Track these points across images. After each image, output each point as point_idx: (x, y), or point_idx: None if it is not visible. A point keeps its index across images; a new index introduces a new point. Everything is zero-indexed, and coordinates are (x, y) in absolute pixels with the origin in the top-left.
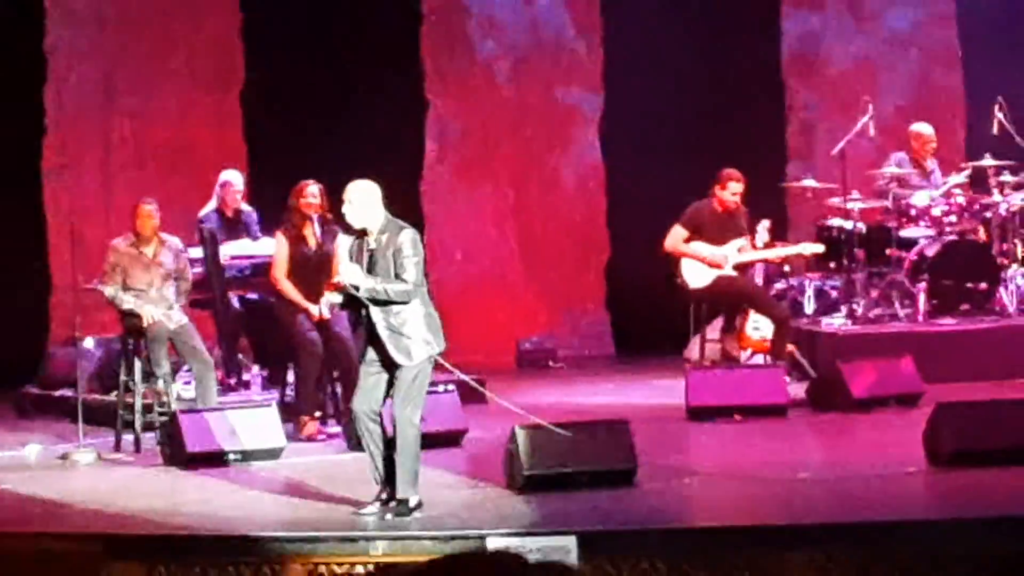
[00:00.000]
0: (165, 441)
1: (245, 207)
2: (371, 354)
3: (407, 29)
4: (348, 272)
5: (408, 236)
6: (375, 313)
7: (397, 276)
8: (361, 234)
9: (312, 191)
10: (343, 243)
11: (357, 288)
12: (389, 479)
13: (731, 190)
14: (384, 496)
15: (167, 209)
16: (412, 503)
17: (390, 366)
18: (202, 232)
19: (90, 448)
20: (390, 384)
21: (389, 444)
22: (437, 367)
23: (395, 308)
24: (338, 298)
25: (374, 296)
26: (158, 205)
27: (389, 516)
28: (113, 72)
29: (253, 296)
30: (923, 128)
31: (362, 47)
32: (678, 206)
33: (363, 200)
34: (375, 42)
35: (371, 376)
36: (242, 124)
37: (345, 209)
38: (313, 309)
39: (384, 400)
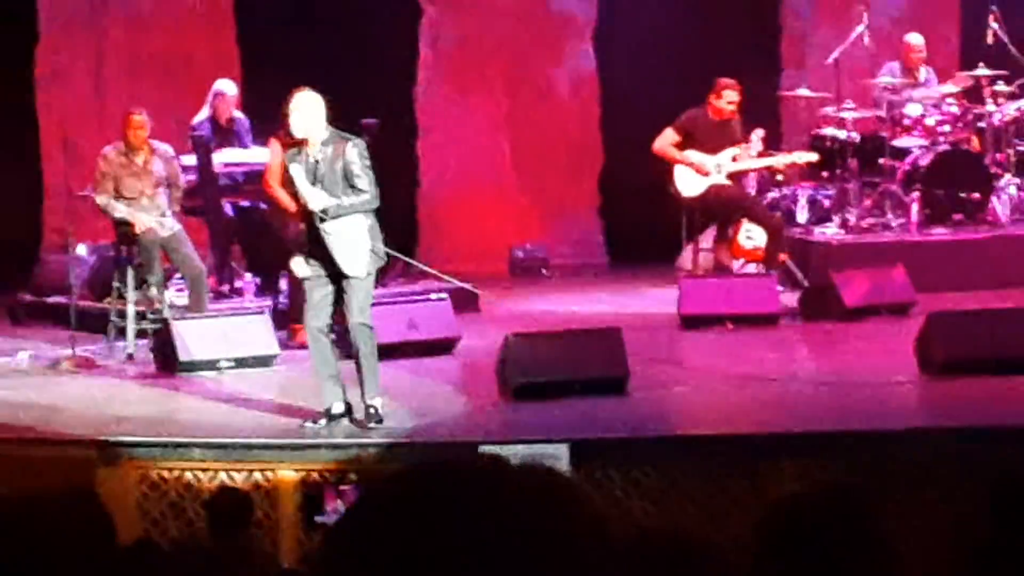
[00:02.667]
0: (158, 348)
1: (237, 114)
2: (316, 270)
3: None
4: (314, 198)
5: (357, 147)
6: (328, 228)
7: (352, 187)
8: (298, 144)
9: None
10: (294, 168)
11: (325, 212)
12: (339, 393)
13: (727, 98)
14: (336, 410)
15: (161, 117)
16: (381, 408)
17: (337, 279)
18: (194, 140)
19: (82, 352)
20: (337, 297)
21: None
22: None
23: (344, 221)
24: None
25: (339, 215)
26: (149, 114)
27: (370, 424)
28: None
29: (246, 203)
30: (911, 38)
31: None
32: (672, 115)
33: (311, 109)
34: None
35: (319, 291)
36: (235, 31)
37: (293, 118)
38: None
39: (333, 313)
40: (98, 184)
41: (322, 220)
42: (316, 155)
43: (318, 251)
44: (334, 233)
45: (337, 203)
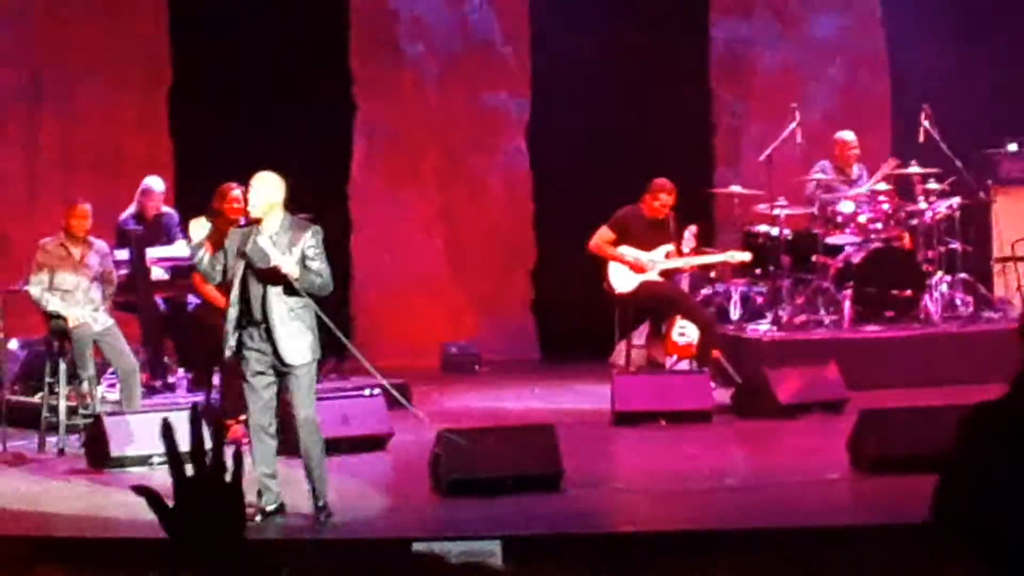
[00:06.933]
0: (89, 444)
1: (166, 209)
2: (256, 364)
3: (336, 30)
4: (286, 263)
5: (316, 234)
6: (276, 311)
7: (308, 271)
8: (252, 224)
9: (236, 195)
10: (261, 239)
11: (296, 279)
12: (275, 491)
13: (661, 201)
14: (270, 508)
15: (93, 210)
16: (331, 507)
17: (279, 372)
18: (128, 234)
19: (13, 447)
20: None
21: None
22: (360, 369)
23: (292, 305)
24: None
25: (304, 286)
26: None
27: (323, 519)
28: (40, 72)
29: (179, 298)
30: (845, 135)
31: (290, 48)
32: (605, 211)
33: (272, 191)
34: (303, 43)
35: (263, 388)
36: (168, 125)
37: (251, 196)
38: None
39: (277, 410)
40: (33, 275)
41: (289, 293)
42: (272, 234)
43: (260, 345)
44: (283, 317)
45: (304, 272)
